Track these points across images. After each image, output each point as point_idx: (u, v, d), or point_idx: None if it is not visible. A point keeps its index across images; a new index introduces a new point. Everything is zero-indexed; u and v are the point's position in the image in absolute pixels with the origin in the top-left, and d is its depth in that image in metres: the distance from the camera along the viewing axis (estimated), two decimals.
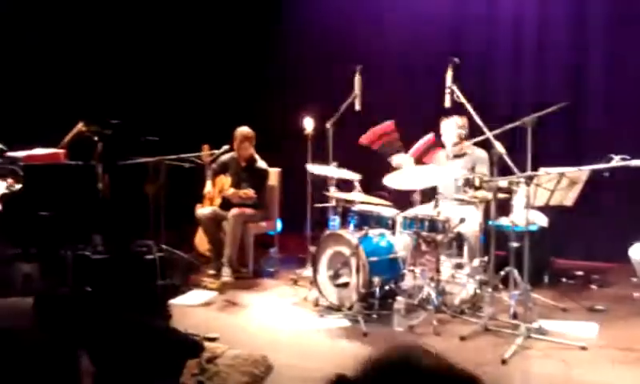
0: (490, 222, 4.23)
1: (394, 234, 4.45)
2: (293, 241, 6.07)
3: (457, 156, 4.79)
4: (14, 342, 1.70)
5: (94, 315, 2.18)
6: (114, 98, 6.50)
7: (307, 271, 5.17)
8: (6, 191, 4.78)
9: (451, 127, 4.75)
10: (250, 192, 5.05)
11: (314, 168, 4.96)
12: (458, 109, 4.30)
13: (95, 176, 4.57)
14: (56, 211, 4.28)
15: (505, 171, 3.97)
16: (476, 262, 4.27)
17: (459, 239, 4.46)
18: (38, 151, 4.89)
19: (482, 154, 4.64)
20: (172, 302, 4.25)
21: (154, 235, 4.60)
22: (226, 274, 5.06)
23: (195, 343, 2.83)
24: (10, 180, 4.86)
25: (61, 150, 4.90)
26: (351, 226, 4.49)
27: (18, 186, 4.73)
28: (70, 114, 4.98)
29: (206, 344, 3.35)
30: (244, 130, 5.37)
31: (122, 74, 6.84)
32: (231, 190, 5.23)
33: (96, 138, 4.78)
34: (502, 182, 3.92)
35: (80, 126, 4.81)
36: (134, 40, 6.98)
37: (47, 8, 6.69)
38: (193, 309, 4.37)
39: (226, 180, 5.45)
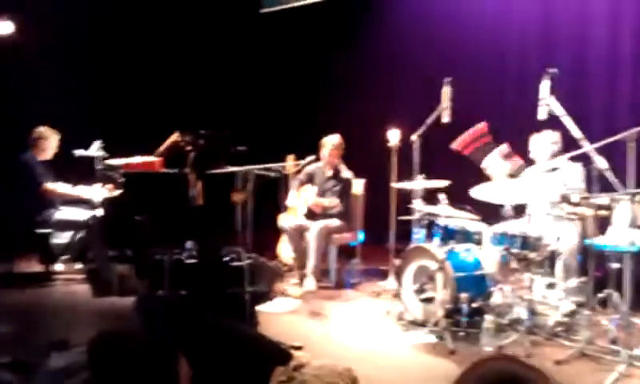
0: (588, 241, 4.01)
1: (481, 249, 4.33)
2: (374, 252, 6.04)
3: (548, 171, 4.59)
4: (124, 344, 1.79)
5: (191, 318, 2.25)
6: (206, 109, 6.79)
7: (390, 284, 5.13)
8: (107, 196, 5.08)
9: (544, 143, 4.56)
10: (335, 201, 5.08)
11: (399, 184, 4.91)
12: (550, 122, 4.11)
13: (187, 184, 4.76)
14: (151, 216, 4.50)
15: (603, 187, 3.76)
16: (572, 282, 4.06)
17: (552, 258, 4.25)
18: (136, 159, 5.16)
19: (576, 168, 4.42)
20: (258, 309, 4.34)
21: (240, 243, 4.72)
22: (309, 284, 5.11)
23: (284, 351, 2.86)
24: (110, 186, 5.17)
25: (157, 159, 5.14)
26: (436, 240, 4.41)
27: (118, 192, 5.01)
28: (165, 124, 5.22)
29: (293, 352, 3.38)
30: (334, 138, 5.44)
31: (214, 86, 7.13)
32: (316, 199, 5.29)
33: (189, 148, 4.98)
34: (602, 199, 3.70)
35: (175, 136, 5.02)
36: (226, 52, 7.26)
37: (147, 25, 7.08)
38: (277, 316, 4.44)
39: (311, 189, 5.51)
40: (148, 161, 5.18)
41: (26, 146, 5.29)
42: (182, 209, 4.54)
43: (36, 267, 5.42)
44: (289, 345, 3.54)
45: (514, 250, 4.02)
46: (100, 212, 5.07)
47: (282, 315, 4.48)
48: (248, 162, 5.08)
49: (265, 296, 4.53)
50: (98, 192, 5.20)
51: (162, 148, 5.20)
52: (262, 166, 5.10)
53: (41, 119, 5.47)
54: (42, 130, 5.37)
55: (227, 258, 3.93)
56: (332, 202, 5.09)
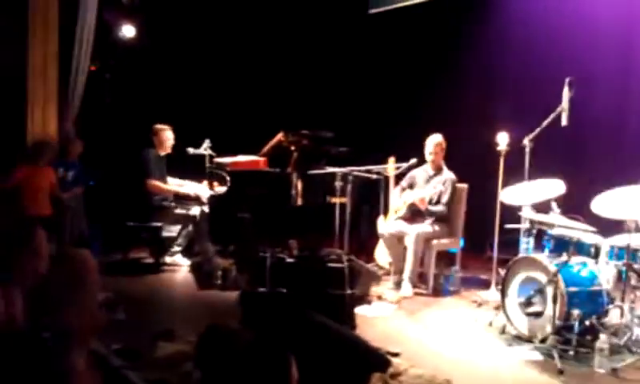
0: None
1: (597, 263, 4.02)
2: (474, 260, 5.81)
3: None
4: (231, 340, 1.81)
5: (294, 317, 2.26)
6: (311, 110, 6.89)
7: (492, 294, 4.91)
8: (213, 193, 5.30)
9: None
10: (438, 190, 5.00)
11: (506, 195, 4.69)
12: None
13: (290, 183, 4.85)
14: (254, 214, 4.62)
15: None
16: None
17: None
18: (242, 158, 5.34)
19: None
20: (356, 311, 4.31)
21: (339, 244, 4.73)
22: (406, 290, 5.02)
23: (383, 357, 2.81)
24: (215, 183, 5.38)
25: (261, 158, 5.28)
26: (546, 251, 4.15)
27: (223, 189, 5.21)
28: (271, 124, 5.34)
29: (390, 359, 3.32)
30: (436, 136, 5.33)
31: (320, 87, 7.23)
32: (419, 195, 5.19)
33: (293, 148, 5.06)
34: None
35: (280, 136, 5.13)
36: (330, 55, 7.33)
37: (257, 26, 7.32)
38: (373, 320, 4.38)
39: (412, 192, 5.40)
40: (253, 160, 5.34)
41: (150, 143, 5.64)
42: (283, 207, 4.62)
43: (147, 258, 5.77)
44: (386, 350, 3.49)
45: (636, 266, 3.70)
46: (207, 208, 5.29)
47: (378, 319, 4.42)
48: (350, 163, 5.08)
49: (362, 299, 4.50)
50: (206, 189, 5.44)
51: (266, 147, 5.33)
52: (362, 168, 5.08)
53: (159, 117, 5.82)
54: (160, 126, 5.70)
55: (327, 259, 3.93)
56: (435, 192, 4.97)
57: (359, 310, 4.46)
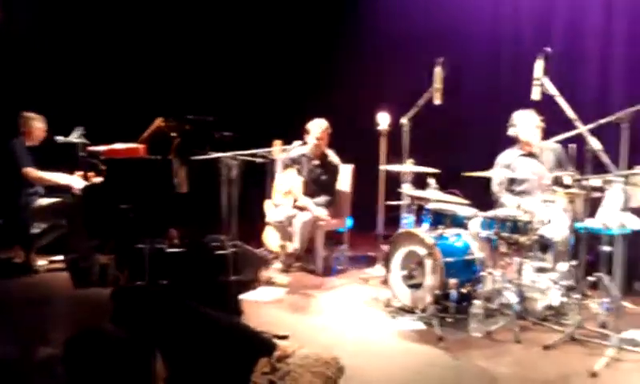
0: (578, 224, 3.95)
1: (470, 233, 4.26)
2: (363, 239, 5.96)
3: (532, 154, 4.55)
4: (99, 341, 1.69)
5: (169, 310, 2.16)
6: (191, 95, 6.65)
7: (378, 270, 5.06)
8: (87, 184, 4.95)
9: (534, 121, 4.50)
10: (323, 216, 5.05)
11: (388, 167, 4.83)
12: (538, 103, 4.03)
13: (171, 171, 4.64)
14: (134, 204, 4.38)
15: (596, 169, 3.69)
16: (563, 266, 4.00)
17: (543, 241, 4.19)
18: (118, 146, 5.04)
19: (561, 149, 4.39)
20: (242, 297, 4.25)
21: (225, 230, 4.62)
22: (294, 268, 5.06)
23: (268, 341, 2.78)
24: (90, 173, 5.04)
25: (140, 145, 5.01)
26: (425, 225, 4.34)
27: (99, 180, 4.89)
28: (149, 110, 5.09)
29: (277, 342, 3.30)
30: (320, 122, 5.33)
31: (198, 71, 6.98)
32: (304, 200, 5.21)
33: (173, 134, 4.85)
34: (595, 181, 3.63)
35: (158, 122, 4.90)
36: (210, 37, 7.10)
37: (128, 8, 6.92)
38: (263, 305, 4.35)
39: (297, 180, 5.40)
40: (131, 147, 5.06)
41: (16, 132, 5.18)
42: (165, 196, 4.42)
43: (17, 258, 5.31)
44: (273, 334, 3.46)
45: (504, 234, 3.96)
46: (80, 200, 4.94)
47: (267, 304, 4.39)
48: (235, 148, 4.97)
49: (250, 284, 4.44)
50: (79, 180, 5.08)
51: (145, 134, 5.07)
52: (247, 152, 4.99)
53: (26, 105, 5.35)
54: (29, 114, 5.24)
55: (211, 246, 3.82)
56: (320, 216, 5.04)
57: (248, 296, 4.41)
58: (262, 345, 2.71)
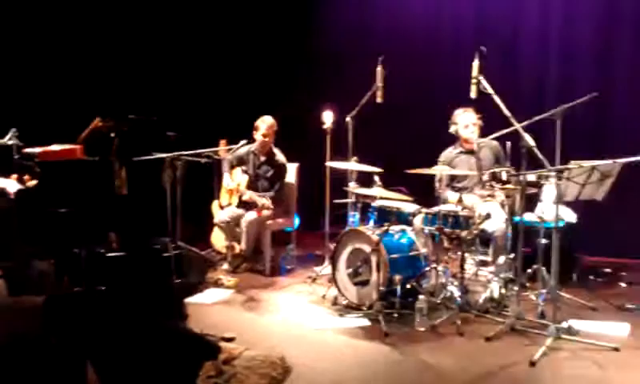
0: (516, 218, 4.08)
1: (414, 229, 4.33)
2: (311, 238, 5.97)
3: (471, 151, 4.67)
4: (24, 348, 1.62)
5: (102, 318, 2.09)
6: (132, 94, 6.47)
7: (325, 269, 5.07)
8: (22, 188, 4.75)
9: (473, 119, 4.63)
10: (268, 203, 4.98)
11: (333, 163, 4.85)
12: (477, 101, 4.14)
13: (112, 172, 4.51)
14: (72, 208, 4.23)
15: (531, 165, 3.81)
16: (502, 259, 4.12)
17: (484, 236, 4.31)
18: (55, 147, 4.85)
19: (499, 146, 4.53)
20: (188, 301, 4.18)
21: (170, 232, 4.53)
22: (242, 269, 5.01)
23: (211, 345, 2.74)
24: (26, 176, 4.83)
25: (77, 146, 4.84)
26: (371, 223, 4.38)
27: (34, 183, 4.69)
28: (87, 109, 4.92)
29: (223, 345, 3.27)
30: (267, 119, 5.29)
31: (139, 69, 6.80)
32: (249, 193, 5.15)
33: (113, 134, 4.71)
34: (531, 177, 3.76)
35: (96, 122, 4.75)
36: (152, 35, 6.93)
37: (65, 4, 6.67)
38: (209, 307, 4.29)
39: (242, 178, 5.36)
40: (68, 148, 4.88)
41: None
42: (105, 199, 4.29)
43: None
44: (219, 337, 3.43)
45: (446, 230, 4.05)
46: (15, 204, 4.73)
47: (214, 306, 4.34)
48: (179, 148, 4.87)
49: (195, 287, 4.37)
50: (14, 183, 4.86)
51: (83, 135, 4.90)
52: (191, 152, 4.91)
53: None
54: None
55: (153, 250, 3.74)
56: (265, 204, 4.96)
57: (194, 299, 4.34)
58: (206, 348, 2.67)
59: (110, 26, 6.86)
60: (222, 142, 5.30)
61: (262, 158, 5.36)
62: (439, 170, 4.20)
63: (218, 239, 5.42)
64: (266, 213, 5.05)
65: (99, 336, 1.90)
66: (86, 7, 6.73)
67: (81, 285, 3.29)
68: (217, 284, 4.76)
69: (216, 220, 5.29)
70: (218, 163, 5.42)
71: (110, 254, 3.48)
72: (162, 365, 2.37)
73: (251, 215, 5.09)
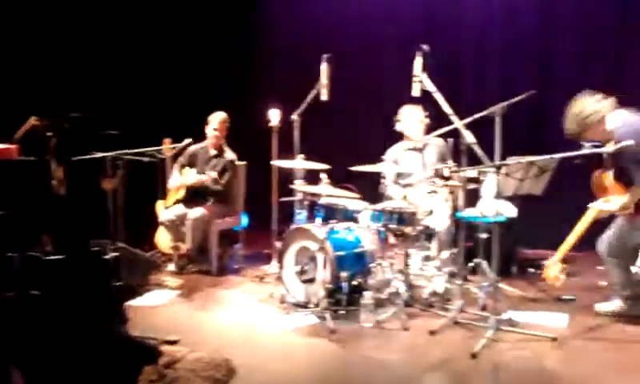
0: (459, 214, 4.16)
1: (360, 226, 4.36)
2: (258, 236, 5.92)
3: (417, 148, 4.74)
4: None
5: (35, 323, 2.00)
6: (70, 91, 6.24)
7: (273, 267, 5.04)
8: None
9: (418, 117, 4.68)
10: (215, 175, 4.90)
11: (279, 162, 4.83)
12: (422, 99, 4.19)
13: (48, 172, 4.34)
14: (6, 210, 4.04)
15: (471, 161, 3.90)
16: (445, 254, 4.20)
17: (428, 232, 4.38)
18: None
19: (444, 144, 4.61)
20: (130, 303, 4.07)
21: (112, 234, 4.40)
22: (188, 269, 4.93)
23: (150, 348, 2.67)
24: None
25: (12, 146, 4.64)
26: (318, 220, 4.38)
27: None
28: (22, 108, 4.73)
29: (165, 348, 3.19)
30: (219, 114, 5.27)
31: (78, 66, 6.57)
32: (194, 177, 5.08)
33: (49, 133, 4.54)
34: (471, 172, 3.84)
35: (32, 120, 4.56)
36: (90, 31, 6.71)
37: None
38: (153, 310, 4.19)
39: (192, 172, 5.27)
40: (2, 148, 4.66)
41: None
42: (41, 200, 4.12)
43: None
44: (161, 340, 3.35)
45: (392, 226, 4.08)
46: None
47: (158, 308, 4.24)
48: (122, 147, 4.73)
49: (136, 290, 4.26)
50: None
51: (18, 134, 4.70)
52: (133, 151, 4.77)
53: None
54: None
55: (92, 252, 3.61)
56: (209, 174, 4.89)
57: (136, 301, 4.23)
58: (144, 352, 2.60)
59: (46, 20, 6.60)
60: (166, 141, 5.19)
61: (212, 152, 5.30)
62: (383, 168, 4.24)
63: (163, 240, 5.30)
64: (210, 212, 4.98)
65: (29, 341, 1.82)
66: (20, 2, 6.46)
67: (13, 290, 3.14)
68: (160, 285, 4.66)
69: (161, 219, 5.18)
70: (163, 162, 5.30)
71: (45, 258, 3.34)
72: (98, 370, 2.29)
73: (196, 212, 5.00)
